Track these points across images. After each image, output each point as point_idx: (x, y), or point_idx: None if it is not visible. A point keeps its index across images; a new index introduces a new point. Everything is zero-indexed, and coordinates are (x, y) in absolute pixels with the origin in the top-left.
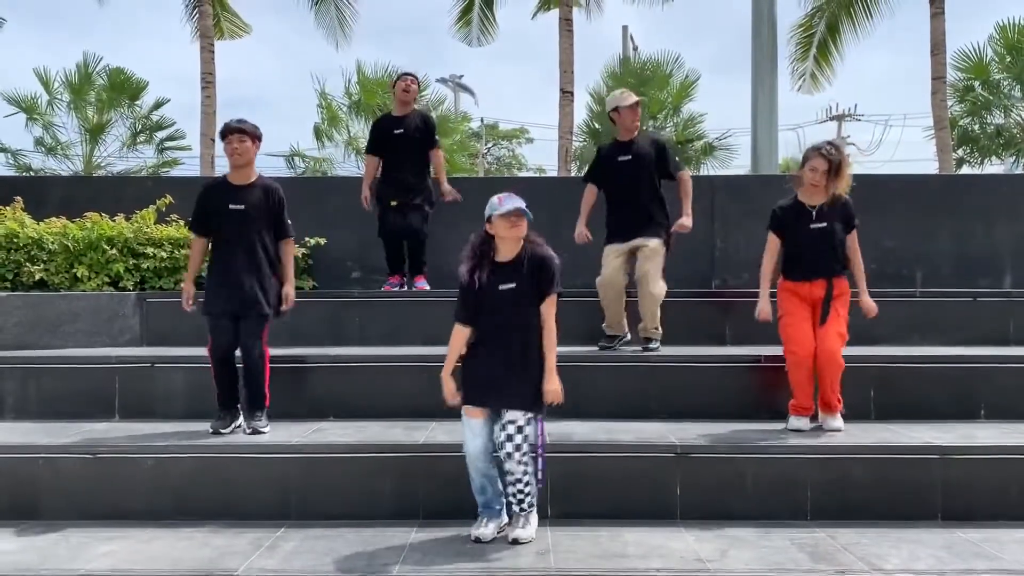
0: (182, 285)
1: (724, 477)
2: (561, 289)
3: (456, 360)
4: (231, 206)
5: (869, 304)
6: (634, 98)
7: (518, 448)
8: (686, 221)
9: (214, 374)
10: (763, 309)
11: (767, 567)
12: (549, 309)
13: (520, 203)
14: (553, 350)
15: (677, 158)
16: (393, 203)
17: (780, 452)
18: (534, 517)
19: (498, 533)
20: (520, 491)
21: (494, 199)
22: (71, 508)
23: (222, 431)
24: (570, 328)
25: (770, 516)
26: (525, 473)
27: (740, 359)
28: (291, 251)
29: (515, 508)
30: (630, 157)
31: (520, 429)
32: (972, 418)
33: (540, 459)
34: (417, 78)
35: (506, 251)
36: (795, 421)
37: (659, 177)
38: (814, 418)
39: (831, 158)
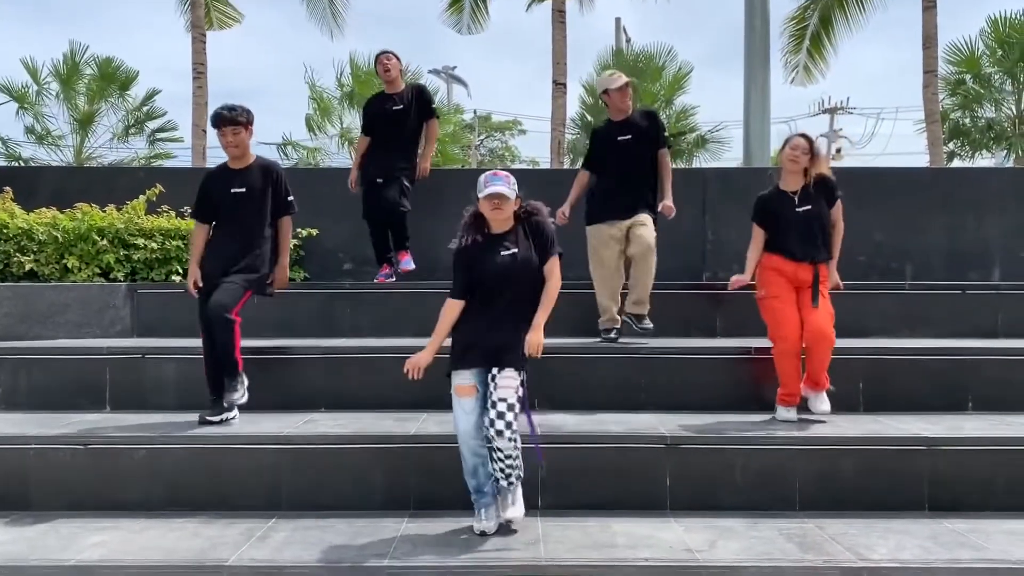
0: (176, 279)
1: (713, 468)
2: (561, 250)
3: (444, 336)
4: (233, 190)
5: (835, 279)
6: (623, 80)
7: (508, 426)
8: (669, 202)
9: (204, 349)
10: (739, 279)
11: (756, 557)
12: (552, 268)
13: (500, 186)
14: (547, 306)
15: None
16: (378, 180)
17: (769, 443)
18: (519, 492)
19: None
20: (509, 466)
21: (481, 178)
22: (62, 499)
23: (210, 419)
24: (562, 320)
25: (759, 507)
26: (515, 449)
27: (730, 351)
28: (289, 228)
29: (502, 483)
30: (630, 136)
31: (511, 407)
32: (960, 410)
33: (537, 449)
34: (395, 54)
35: (497, 226)
36: (783, 412)
37: (654, 150)
38: (802, 406)
39: (810, 138)
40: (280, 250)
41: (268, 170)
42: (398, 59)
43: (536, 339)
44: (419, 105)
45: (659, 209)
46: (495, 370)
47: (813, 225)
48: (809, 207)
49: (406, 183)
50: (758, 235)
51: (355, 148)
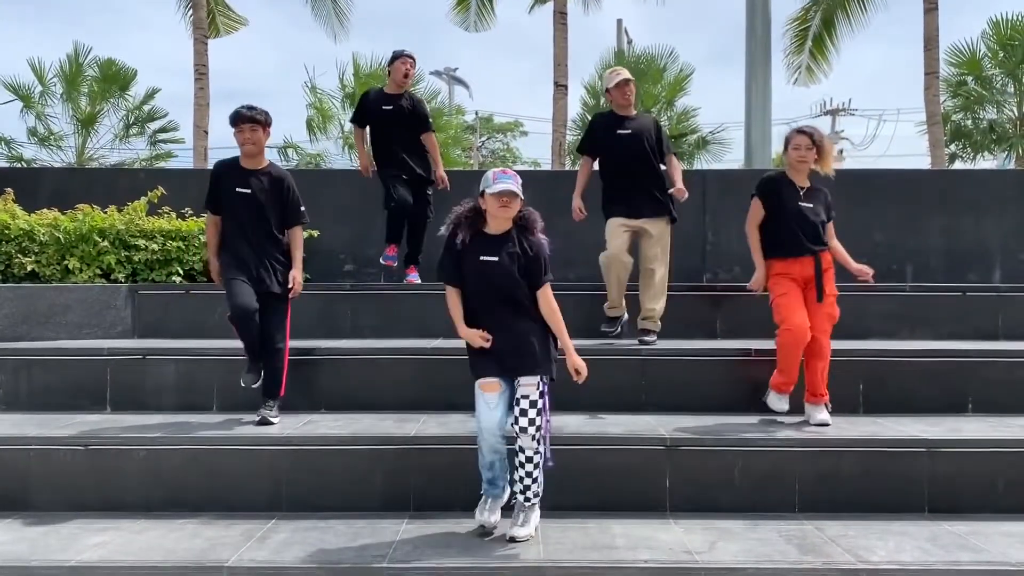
0: (177, 280)
1: (713, 469)
2: (551, 277)
3: (463, 315)
4: (238, 189)
5: (862, 268)
6: (619, 76)
7: (532, 423)
8: (681, 186)
9: (238, 333)
10: (759, 280)
11: (755, 559)
12: (546, 295)
13: (511, 184)
14: (564, 330)
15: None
16: (404, 177)
17: (769, 445)
18: (535, 516)
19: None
20: (529, 474)
21: (489, 173)
22: (62, 499)
23: (253, 385)
24: (568, 321)
25: (759, 508)
26: (536, 452)
27: (731, 352)
28: (299, 238)
29: (519, 498)
30: (630, 131)
31: (534, 404)
32: (960, 412)
33: (544, 439)
34: (414, 58)
35: (495, 226)
36: (776, 400)
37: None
38: (799, 411)
39: (811, 133)
40: (293, 261)
41: (279, 179)
42: (415, 64)
43: (577, 362)
44: (412, 115)
45: (671, 192)
46: (519, 378)
47: (811, 221)
48: (812, 205)
49: (430, 192)
50: (756, 212)
51: (355, 147)
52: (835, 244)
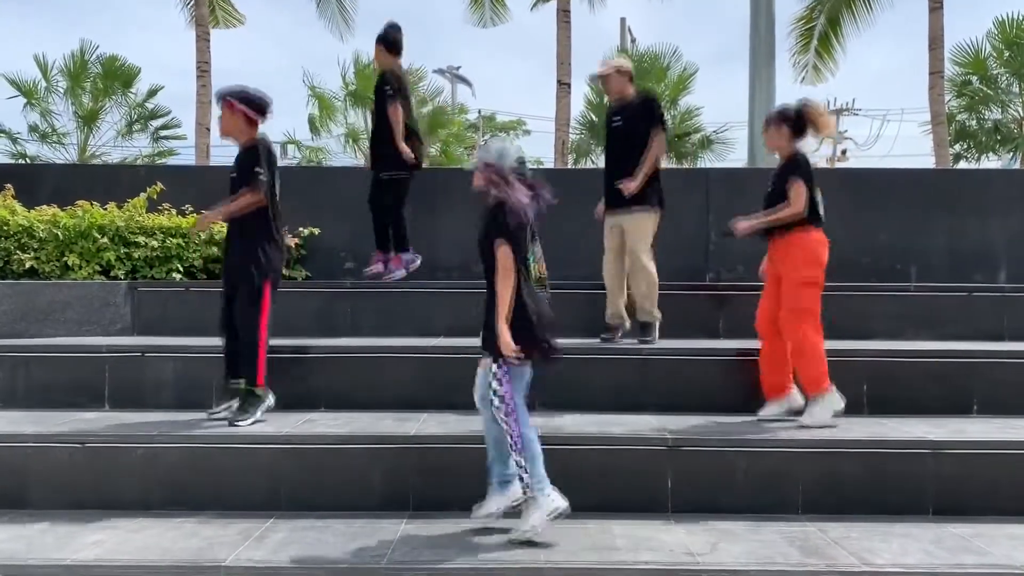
0: (177, 277)
1: (715, 470)
2: (502, 240)
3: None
4: (231, 175)
5: (748, 224)
6: (603, 68)
7: (483, 398)
8: (629, 183)
9: (224, 356)
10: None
11: (757, 561)
12: (496, 255)
13: (479, 157)
14: (503, 302)
15: (664, 118)
16: (372, 169)
17: (772, 446)
18: (535, 510)
19: (500, 513)
20: (510, 453)
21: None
22: (59, 497)
23: (212, 415)
24: (569, 321)
25: (761, 510)
26: (502, 422)
27: (733, 352)
28: (244, 200)
29: (522, 485)
30: (621, 122)
31: (487, 374)
32: (965, 413)
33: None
34: (378, 43)
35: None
36: (765, 409)
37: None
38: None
39: (767, 115)
40: (225, 209)
41: (252, 148)
42: (380, 45)
43: (500, 341)
44: (380, 92)
45: (619, 184)
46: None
47: (771, 206)
48: (771, 188)
49: (385, 176)
50: None
51: (360, 151)
52: (781, 208)
